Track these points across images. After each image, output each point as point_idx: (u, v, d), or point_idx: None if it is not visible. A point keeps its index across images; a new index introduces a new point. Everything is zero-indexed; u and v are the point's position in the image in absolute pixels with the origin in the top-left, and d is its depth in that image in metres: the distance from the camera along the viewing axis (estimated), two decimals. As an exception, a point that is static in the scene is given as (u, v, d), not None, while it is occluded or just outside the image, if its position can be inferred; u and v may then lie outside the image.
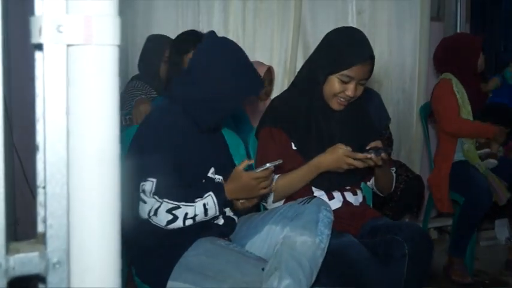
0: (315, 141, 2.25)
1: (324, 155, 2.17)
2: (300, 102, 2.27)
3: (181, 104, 1.98)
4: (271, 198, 2.21)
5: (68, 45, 0.83)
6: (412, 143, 4.25)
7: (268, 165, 1.95)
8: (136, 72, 3.33)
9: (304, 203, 1.93)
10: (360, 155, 2.12)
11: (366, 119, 2.40)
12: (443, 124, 3.43)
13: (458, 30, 4.42)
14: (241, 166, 1.95)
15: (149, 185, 1.85)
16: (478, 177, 3.35)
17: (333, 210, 2.19)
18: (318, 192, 2.24)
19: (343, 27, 2.41)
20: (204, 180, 2.00)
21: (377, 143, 2.17)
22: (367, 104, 2.64)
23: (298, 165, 2.21)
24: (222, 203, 1.92)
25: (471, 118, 3.42)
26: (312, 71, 2.27)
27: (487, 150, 3.50)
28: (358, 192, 2.36)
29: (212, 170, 2.05)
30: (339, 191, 2.28)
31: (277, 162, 1.97)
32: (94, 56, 0.84)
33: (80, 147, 0.84)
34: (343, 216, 2.22)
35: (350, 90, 2.20)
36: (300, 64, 3.92)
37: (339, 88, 2.20)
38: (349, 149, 2.14)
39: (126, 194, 1.82)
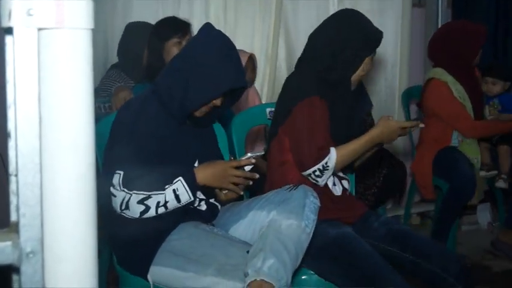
0: (344, 120, 2.25)
1: (380, 127, 2.21)
2: (332, 84, 2.21)
3: (163, 92, 1.96)
4: (326, 175, 2.14)
5: (39, 29, 0.81)
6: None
7: (249, 154, 1.93)
8: (116, 60, 3.29)
9: (290, 190, 1.93)
10: (407, 124, 2.25)
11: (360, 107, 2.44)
12: (462, 132, 3.39)
13: (440, 17, 4.41)
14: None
15: (116, 177, 1.83)
16: (464, 164, 3.34)
17: (336, 198, 2.23)
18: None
19: (347, 9, 2.40)
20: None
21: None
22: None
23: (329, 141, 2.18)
24: (194, 187, 1.88)
25: (472, 114, 3.40)
26: (343, 52, 2.19)
27: (494, 172, 3.51)
28: (348, 178, 2.37)
29: (196, 163, 2.03)
30: (337, 178, 2.28)
31: (258, 154, 1.96)
32: (66, 40, 0.82)
33: (53, 135, 0.82)
34: (343, 207, 2.23)
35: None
36: (281, 51, 3.94)
37: (369, 67, 2.27)
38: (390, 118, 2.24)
39: (107, 182, 1.82)
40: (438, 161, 3.42)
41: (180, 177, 1.86)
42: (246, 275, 1.72)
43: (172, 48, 2.77)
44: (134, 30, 3.22)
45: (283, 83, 2.33)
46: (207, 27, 2.04)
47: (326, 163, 2.10)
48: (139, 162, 1.86)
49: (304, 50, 2.31)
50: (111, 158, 1.91)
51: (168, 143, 1.95)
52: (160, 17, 3.18)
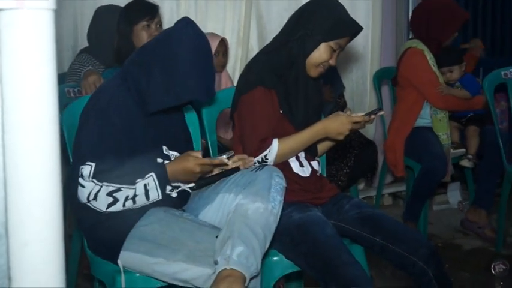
0: (303, 107, 2.24)
1: (327, 120, 2.17)
2: (285, 67, 2.21)
3: (130, 83, 1.94)
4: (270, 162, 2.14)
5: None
6: (366, 110, 4.28)
7: (224, 156, 1.93)
8: (85, 45, 3.25)
9: (256, 171, 1.93)
10: (359, 118, 2.15)
11: (321, 91, 2.41)
12: (431, 100, 3.42)
13: (410, -1, 4.45)
14: (195, 153, 1.93)
15: (87, 169, 1.81)
16: (435, 144, 3.38)
17: (302, 180, 2.22)
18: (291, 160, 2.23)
19: None
20: (158, 159, 1.97)
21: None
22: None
23: (287, 130, 2.18)
24: (164, 184, 1.88)
25: None
26: (302, 36, 2.18)
27: (462, 150, 3.56)
28: (319, 160, 2.37)
29: (165, 148, 2.02)
30: (306, 159, 2.29)
31: (231, 154, 1.96)
32: (27, 21, 0.81)
33: (15, 117, 0.81)
34: (311, 189, 2.23)
35: (333, 59, 2.22)
36: (253, 34, 3.92)
37: (327, 56, 2.19)
38: (348, 113, 2.17)
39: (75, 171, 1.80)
40: (410, 142, 3.46)
41: (152, 173, 1.85)
42: (215, 263, 1.72)
43: (141, 32, 2.74)
44: (104, 14, 3.17)
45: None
46: (186, 23, 1.98)
47: (266, 155, 2.11)
48: (111, 152, 1.85)
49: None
50: (81, 147, 1.88)
51: (138, 130, 1.94)
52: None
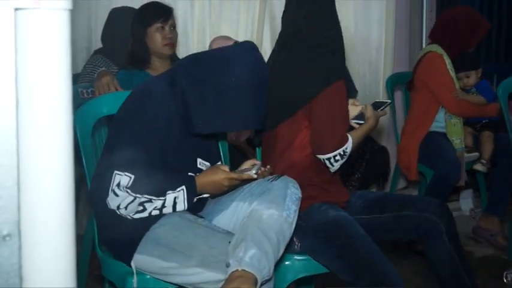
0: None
1: (371, 120, 2.29)
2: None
3: (181, 94, 1.90)
4: (343, 161, 2.18)
5: (16, 9, 0.80)
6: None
7: (253, 172, 1.93)
8: (99, 45, 3.26)
9: (272, 181, 1.93)
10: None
11: None
12: (445, 104, 3.42)
13: (424, 2, 4.43)
14: (224, 166, 1.93)
15: (126, 180, 1.81)
16: (449, 149, 3.38)
17: (337, 182, 2.29)
18: None
19: None
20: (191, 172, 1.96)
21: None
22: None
23: None
24: (193, 197, 1.89)
25: None
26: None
27: (476, 154, 3.54)
28: None
29: (200, 160, 2.02)
30: None
31: (257, 167, 1.96)
32: (44, 21, 0.81)
33: (30, 116, 0.81)
34: (332, 190, 2.26)
35: None
36: (266, 36, 3.92)
37: None
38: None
39: (107, 174, 1.79)
40: (423, 147, 3.45)
41: (183, 187, 1.86)
42: (227, 265, 1.72)
43: (155, 34, 2.74)
44: (118, 15, 3.18)
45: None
46: (251, 48, 1.93)
47: (346, 148, 2.14)
48: (150, 164, 1.85)
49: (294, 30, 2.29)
50: (121, 152, 1.84)
51: (176, 141, 1.93)
52: (145, 1, 3.15)
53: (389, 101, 2.41)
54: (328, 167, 2.16)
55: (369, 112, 2.29)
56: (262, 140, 2.38)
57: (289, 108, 2.22)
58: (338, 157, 2.13)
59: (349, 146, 2.15)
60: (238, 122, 1.92)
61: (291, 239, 1.96)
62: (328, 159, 2.13)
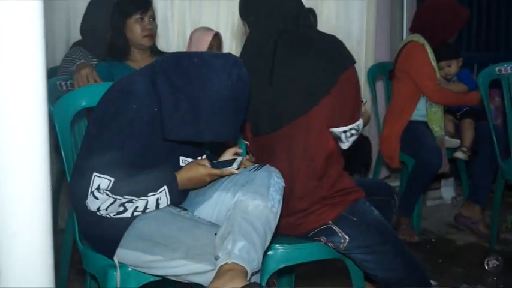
0: None
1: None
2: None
3: (158, 97, 1.85)
4: (355, 137, 2.24)
5: (-14, -1, 0.78)
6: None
7: (235, 167, 1.92)
8: (78, 38, 3.24)
9: (254, 170, 1.92)
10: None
11: None
12: (427, 93, 3.45)
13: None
14: (202, 161, 1.92)
15: (105, 183, 1.78)
16: (429, 138, 3.41)
17: None
18: None
19: None
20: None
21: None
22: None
23: None
24: (175, 197, 1.89)
25: None
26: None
27: (457, 141, 3.55)
28: None
29: (182, 158, 2.00)
30: None
31: (240, 161, 1.95)
32: (13, 11, 0.79)
33: (4, 110, 0.80)
34: None
35: None
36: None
37: None
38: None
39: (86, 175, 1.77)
40: (404, 136, 3.47)
41: (165, 187, 1.85)
42: (216, 258, 1.71)
43: (134, 25, 2.72)
44: (97, 7, 3.16)
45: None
46: (233, 63, 1.87)
47: (359, 124, 2.19)
48: (130, 167, 1.82)
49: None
50: (100, 154, 1.82)
51: (157, 142, 1.90)
52: (124, -8, 3.12)
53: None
54: (341, 143, 2.19)
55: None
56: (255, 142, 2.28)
57: (313, 96, 2.12)
58: (354, 131, 2.16)
59: (360, 124, 2.20)
60: (210, 134, 1.87)
61: (336, 236, 2.05)
62: (345, 131, 2.15)
